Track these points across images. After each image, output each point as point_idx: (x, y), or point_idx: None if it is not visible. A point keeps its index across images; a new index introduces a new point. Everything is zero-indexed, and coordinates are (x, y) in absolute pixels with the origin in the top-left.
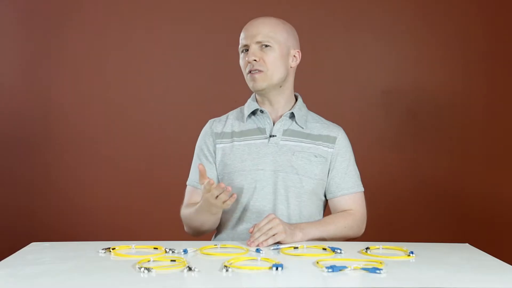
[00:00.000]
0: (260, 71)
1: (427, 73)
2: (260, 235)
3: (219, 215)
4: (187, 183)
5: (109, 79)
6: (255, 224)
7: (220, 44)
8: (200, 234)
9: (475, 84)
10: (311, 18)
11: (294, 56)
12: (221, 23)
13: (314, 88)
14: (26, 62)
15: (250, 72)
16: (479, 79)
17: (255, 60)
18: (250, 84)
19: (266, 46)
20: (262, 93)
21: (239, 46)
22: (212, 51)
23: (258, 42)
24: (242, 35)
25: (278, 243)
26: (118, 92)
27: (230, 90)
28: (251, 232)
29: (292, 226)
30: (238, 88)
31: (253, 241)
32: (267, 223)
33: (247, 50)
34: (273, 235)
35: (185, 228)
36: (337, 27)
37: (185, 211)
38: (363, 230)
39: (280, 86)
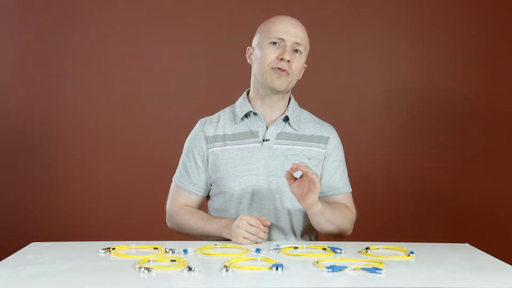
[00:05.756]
0: (287, 72)
1: (427, 73)
2: (309, 168)
3: None
4: (173, 179)
5: (111, 78)
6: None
7: (221, 44)
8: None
9: (475, 84)
10: (310, 18)
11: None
12: (221, 24)
13: (313, 87)
14: (28, 60)
15: (278, 68)
16: (478, 78)
17: (288, 60)
18: (269, 79)
19: (297, 51)
20: (273, 93)
21: (270, 36)
22: (213, 51)
23: (295, 43)
24: (276, 27)
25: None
26: (121, 91)
27: (229, 89)
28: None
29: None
30: (237, 87)
31: (300, 165)
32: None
33: (275, 43)
34: (315, 181)
35: (169, 224)
36: (337, 27)
37: (178, 216)
38: (351, 230)
39: (287, 92)
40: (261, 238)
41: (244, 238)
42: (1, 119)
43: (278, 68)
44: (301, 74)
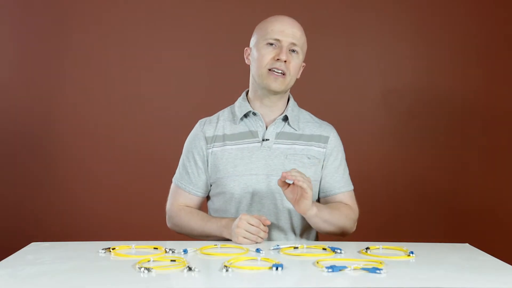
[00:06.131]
0: (283, 73)
1: (427, 73)
2: (298, 176)
3: None
4: (173, 179)
5: (111, 78)
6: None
7: (221, 44)
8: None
9: (475, 84)
10: (310, 18)
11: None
12: (221, 24)
13: (314, 87)
14: (28, 60)
15: (273, 70)
16: (478, 78)
17: (285, 61)
18: (266, 81)
19: (294, 51)
20: (271, 94)
21: (266, 37)
22: (213, 51)
23: (292, 44)
24: (272, 27)
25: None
26: (121, 91)
27: (229, 89)
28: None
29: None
30: (237, 87)
31: (289, 174)
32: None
33: (271, 44)
34: (304, 187)
35: (169, 224)
36: (337, 27)
37: (178, 217)
38: (355, 227)
39: (285, 92)
40: (261, 238)
41: (244, 238)
42: (1, 119)
43: (275, 71)
44: (300, 73)
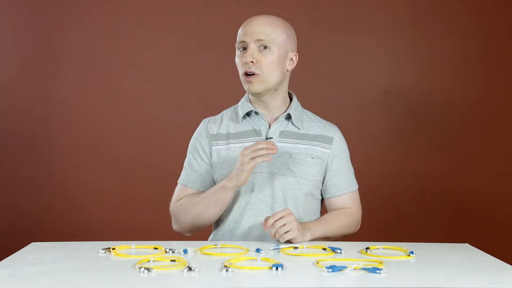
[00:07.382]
0: (255, 74)
1: (426, 73)
2: (275, 232)
3: (225, 205)
4: (179, 181)
5: (111, 78)
6: (269, 217)
7: (221, 43)
8: (192, 229)
9: (474, 83)
10: (310, 18)
11: (291, 59)
12: (221, 23)
13: (314, 87)
14: (27, 60)
15: (245, 74)
16: (478, 78)
17: (252, 61)
18: (245, 86)
19: (265, 47)
20: (257, 96)
21: (236, 43)
22: (213, 50)
23: (258, 41)
24: (240, 31)
25: (287, 241)
26: (120, 92)
27: (229, 89)
28: (264, 225)
29: (301, 225)
30: (237, 87)
31: (272, 235)
32: (282, 218)
33: (244, 48)
34: (286, 232)
35: (175, 225)
36: (337, 27)
37: (181, 201)
38: (359, 227)
39: (276, 89)
40: (270, 154)
41: (252, 158)
42: (1, 119)
43: (246, 74)
44: (291, 65)
